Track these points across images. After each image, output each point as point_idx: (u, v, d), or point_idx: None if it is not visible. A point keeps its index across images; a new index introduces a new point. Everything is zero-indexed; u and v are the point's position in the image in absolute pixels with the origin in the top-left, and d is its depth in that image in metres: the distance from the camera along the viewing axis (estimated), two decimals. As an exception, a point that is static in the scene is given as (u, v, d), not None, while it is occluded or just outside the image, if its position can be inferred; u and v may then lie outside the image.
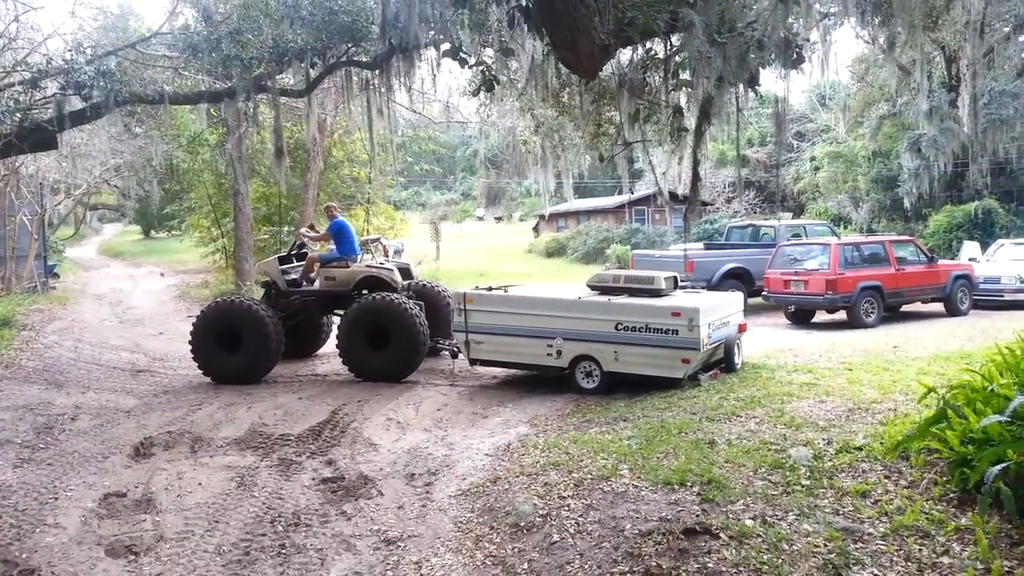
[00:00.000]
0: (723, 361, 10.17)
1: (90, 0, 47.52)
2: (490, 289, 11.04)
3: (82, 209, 39.33)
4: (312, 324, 13.28)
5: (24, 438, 8.49)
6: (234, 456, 7.82)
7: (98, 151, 22.93)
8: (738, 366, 10.19)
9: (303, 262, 12.53)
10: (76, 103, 11.41)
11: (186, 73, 13.07)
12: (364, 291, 11.72)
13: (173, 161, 25.16)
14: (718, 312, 10.03)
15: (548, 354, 10.16)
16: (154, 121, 17.00)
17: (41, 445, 8.26)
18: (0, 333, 14.69)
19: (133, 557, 5.65)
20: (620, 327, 9.68)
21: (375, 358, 11.10)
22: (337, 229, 12.15)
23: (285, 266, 12.56)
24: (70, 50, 11.73)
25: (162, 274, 30.50)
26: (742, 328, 10.67)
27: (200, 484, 7.03)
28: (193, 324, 11.68)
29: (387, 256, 13.25)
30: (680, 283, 10.95)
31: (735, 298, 11.15)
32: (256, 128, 17.16)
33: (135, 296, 23.63)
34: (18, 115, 10.90)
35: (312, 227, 13.28)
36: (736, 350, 10.27)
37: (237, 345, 11.34)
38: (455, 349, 11.67)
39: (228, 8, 12.42)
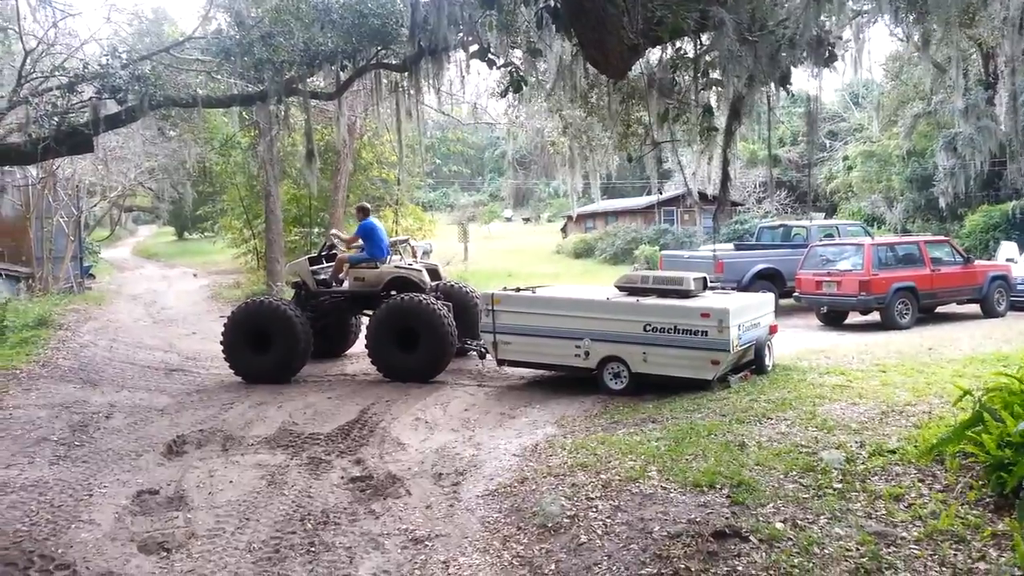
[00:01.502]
0: (753, 363, 10.06)
1: (125, 6, 48.46)
2: (518, 290, 11.04)
3: (117, 211, 40.09)
4: (341, 324, 13.38)
5: (60, 435, 8.65)
6: (265, 455, 7.91)
7: (133, 154, 23.36)
8: (769, 368, 10.08)
9: (333, 263, 12.64)
10: (112, 107, 11.60)
11: (219, 77, 13.23)
12: (393, 292, 11.79)
13: (206, 164, 25.54)
14: (748, 313, 9.93)
15: (576, 355, 10.13)
16: (187, 124, 17.24)
17: (76, 442, 8.40)
18: (37, 332, 14.99)
19: (165, 554, 5.72)
20: (649, 328, 9.62)
21: (404, 358, 11.15)
22: (365, 232, 12.24)
23: (315, 267, 12.67)
24: (106, 55, 11.93)
25: (195, 275, 30.94)
26: (773, 329, 10.55)
27: (231, 482, 7.11)
28: (224, 325, 11.83)
29: (416, 257, 13.31)
30: (710, 284, 10.87)
31: (766, 299, 11.03)
32: (287, 131, 17.34)
33: (169, 296, 24.00)
34: (56, 118, 11.10)
35: (343, 238, 13.36)
36: (767, 352, 10.16)
37: (267, 345, 11.46)
38: (482, 350, 11.69)
39: (260, 12, 12.56)
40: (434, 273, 12.63)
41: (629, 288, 10.54)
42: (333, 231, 14.30)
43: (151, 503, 6.64)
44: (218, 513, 6.38)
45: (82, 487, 6.95)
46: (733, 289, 15.96)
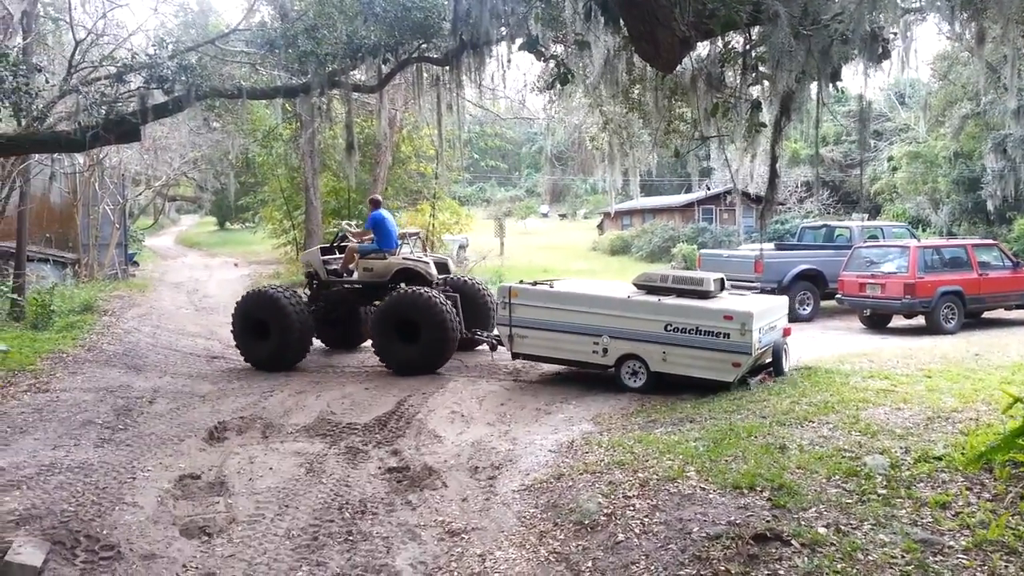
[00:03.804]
0: (771, 365, 10.05)
1: (172, -2, 49.17)
2: (535, 284, 11.05)
3: (161, 200, 40.71)
4: (354, 315, 13.52)
5: (105, 419, 8.83)
6: (303, 443, 7.99)
7: (178, 144, 23.75)
8: (787, 371, 10.02)
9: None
10: (158, 97, 11.76)
11: (262, 69, 13.37)
12: (402, 283, 11.88)
13: (248, 155, 25.83)
14: (768, 316, 9.93)
15: (594, 352, 10.14)
16: (232, 115, 17.45)
17: (120, 426, 8.57)
18: (83, 318, 15.32)
19: (206, 538, 5.82)
20: (670, 328, 9.62)
21: (406, 350, 11.24)
22: (375, 223, 12.40)
23: (327, 257, 12.89)
24: (153, 46, 12.08)
25: (236, 264, 31.32)
26: (786, 332, 10.56)
27: (271, 469, 7.20)
28: (232, 314, 12.21)
29: (425, 250, 13.46)
30: (726, 284, 10.85)
31: (781, 302, 11.08)
32: (328, 123, 17.46)
33: (210, 285, 24.35)
34: (104, 107, 11.28)
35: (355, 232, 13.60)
36: (784, 355, 10.13)
37: (267, 333, 11.78)
38: (494, 342, 11.78)
39: (304, 5, 12.66)
40: (442, 266, 12.80)
41: (648, 286, 10.51)
42: (345, 222, 14.49)
43: (193, 488, 6.75)
44: (258, 499, 6.47)
45: (126, 470, 7.08)
46: (773, 290, 15.80)
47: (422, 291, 11.29)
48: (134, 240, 29.70)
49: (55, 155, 16.31)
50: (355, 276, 12.57)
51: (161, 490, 6.65)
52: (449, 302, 11.40)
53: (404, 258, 12.30)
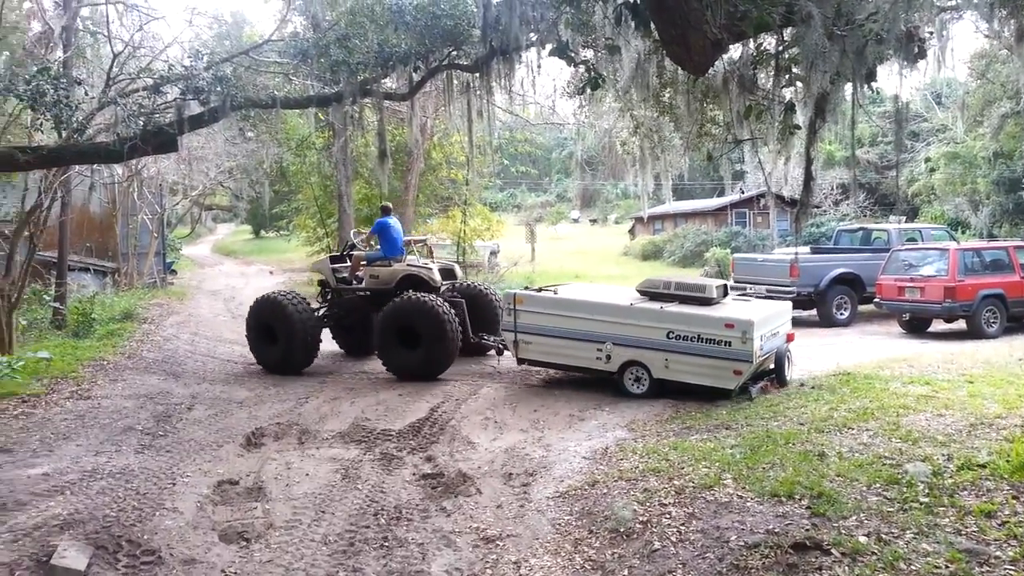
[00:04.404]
0: (773, 372, 10.00)
1: (206, 9, 50.03)
2: (540, 290, 11.05)
3: (198, 209, 41.38)
4: (366, 321, 13.60)
5: (145, 425, 8.98)
6: (339, 449, 8.05)
7: (213, 154, 24.10)
8: (789, 379, 9.97)
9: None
10: (195, 107, 11.96)
11: (295, 78, 13.53)
12: (409, 289, 11.97)
13: (282, 164, 26.14)
14: (770, 323, 9.88)
15: (597, 358, 10.14)
16: (266, 125, 17.66)
17: (160, 432, 8.71)
18: (123, 325, 15.60)
19: (245, 543, 5.88)
20: (672, 335, 9.62)
21: (408, 356, 11.32)
22: (380, 230, 12.54)
23: (337, 265, 13.12)
24: (189, 57, 12.29)
25: (271, 272, 31.69)
26: (790, 338, 10.51)
27: (307, 475, 7.26)
28: (246, 319, 12.51)
29: (432, 256, 13.57)
30: (729, 291, 10.84)
31: (784, 308, 11.01)
32: (360, 131, 17.61)
33: (247, 292, 24.60)
34: (142, 119, 11.48)
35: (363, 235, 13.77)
36: (786, 362, 10.06)
37: (275, 338, 12.07)
38: (500, 346, 11.88)
39: (335, 15, 12.79)
40: (448, 272, 12.90)
41: (651, 293, 10.51)
42: (355, 230, 14.69)
43: (231, 493, 6.83)
44: (295, 505, 6.53)
45: (166, 476, 7.19)
46: (810, 294, 15.64)
47: (423, 297, 11.37)
48: (172, 249, 30.19)
49: (95, 166, 16.65)
50: (363, 283, 12.72)
51: (200, 496, 6.74)
52: (451, 308, 11.48)
53: (409, 264, 12.40)
